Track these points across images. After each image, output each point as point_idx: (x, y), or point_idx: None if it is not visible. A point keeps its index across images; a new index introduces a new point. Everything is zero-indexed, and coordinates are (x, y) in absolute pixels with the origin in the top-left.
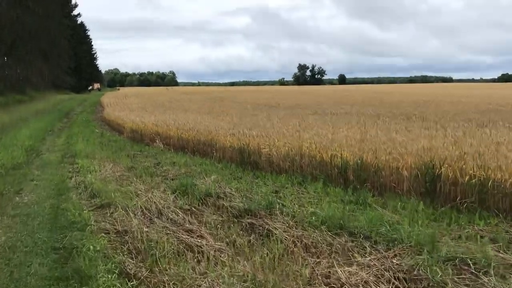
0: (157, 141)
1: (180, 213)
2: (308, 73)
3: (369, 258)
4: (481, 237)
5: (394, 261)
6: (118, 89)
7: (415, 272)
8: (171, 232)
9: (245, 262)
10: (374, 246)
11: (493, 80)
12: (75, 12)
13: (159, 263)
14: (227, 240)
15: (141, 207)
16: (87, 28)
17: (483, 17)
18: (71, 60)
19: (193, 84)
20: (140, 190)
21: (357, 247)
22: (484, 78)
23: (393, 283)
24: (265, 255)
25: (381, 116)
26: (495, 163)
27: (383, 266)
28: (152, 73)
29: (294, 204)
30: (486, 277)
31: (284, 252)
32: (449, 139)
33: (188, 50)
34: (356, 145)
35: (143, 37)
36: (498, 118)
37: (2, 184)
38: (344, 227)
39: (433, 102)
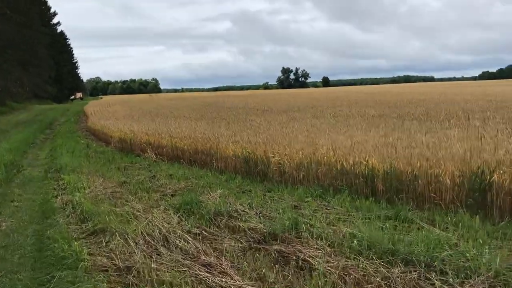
0: (148, 151)
1: (190, 239)
2: (292, 76)
3: None
4: None
5: None
6: (101, 98)
7: None
8: (185, 268)
9: None
10: (442, 277)
11: (474, 78)
12: (54, 21)
13: None
14: (255, 275)
15: (142, 233)
16: (67, 37)
17: (461, 17)
18: (51, 69)
19: (176, 91)
20: (138, 211)
21: (421, 279)
22: (465, 76)
23: None
24: None
25: (386, 117)
26: None
27: None
28: (134, 80)
29: (322, 222)
30: None
31: None
32: (487, 140)
33: (170, 57)
34: (382, 149)
35: (124, 45)
36: None
37: None
38: (395, 253)
39: (431, 101)
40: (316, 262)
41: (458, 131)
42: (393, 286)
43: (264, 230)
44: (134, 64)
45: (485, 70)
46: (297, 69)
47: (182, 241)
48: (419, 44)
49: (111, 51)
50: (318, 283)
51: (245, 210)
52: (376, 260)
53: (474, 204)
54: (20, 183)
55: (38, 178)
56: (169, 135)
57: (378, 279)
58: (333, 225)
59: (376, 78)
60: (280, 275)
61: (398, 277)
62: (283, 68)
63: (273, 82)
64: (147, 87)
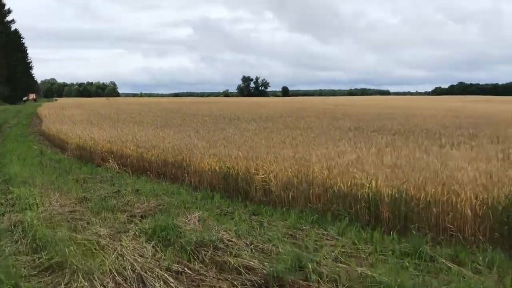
0: (110, 161)
1: (171, 280)
2: (252, 85)
3: None
4: None
5: None
6: (56, 100)
7: None
8: None
9: None
10: None
11: (427, 94)
12: (8, 18)
13: None
14: None
15: (111, 271)
16: (21, 35)
17: (416, 34)
18: (4, 68)
19: (135, 95)
20: (104, 238)
21: None
22: (419, 91)
23: None
24: None
25: (364, 131)
26: None
27: None
28: (91, 83)
29: (327, 258)
30: None
31: None
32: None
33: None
34: (384, 170)
35: (81, 47)
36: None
37: None
38: None
39: (402, 115)
40: None
41: (461, 150)
42: None
43: (264, 271)
44: (92, 66)
45: (437, 86)
46: (257, 78)
47: (161, 282)
48: (375, 58)
49: (68, 52)
50: None
51: (232, 240)
52: None
53: (499, 238)
54: None
55: None
56: (135, 144)
57: None
58: (341, 262)
59: (334, 90)
60: None
61: None
62: (244, 76)
63: (233, 90)
64: (105, 90)
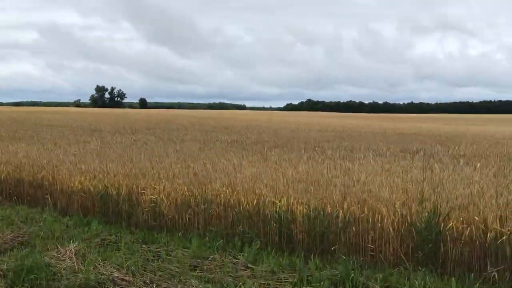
0: None
1: None
2: (107, 95)
3: None
4: None
5: None
6: None
7: None
8: None
9: None
10: None
11: (280, 109)
12: None
13: None
14: None
15: None
16: None
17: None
18: None
19: None
20: None
21: None
22: (273, 106)
23: None
24: None
25: (243, 144)
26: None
27: None
28: None
29: None
30: None
31: None
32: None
33: None
34: (293, 185)
35: None
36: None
37: None
38: None
39: (270, 128)
40: None
41: (360, 165)
42: None
43: None
44: None
45: (289, 102)
46: (112, 88)
47: None
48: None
49: None
50: None
51: (126, 279)
52: None
53: (422, 257)
54: None
55: None
56: None
57: None
58: None
59: (193, 103)
60: None
61: None
62: (98, 86)
63: (85, 100)
64: None
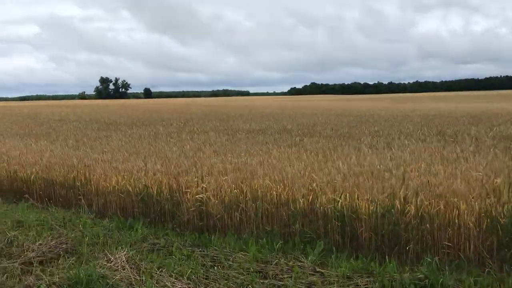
0: None
1: None
2: (111, 86)
3: None
4: None
5: None
6: None
7: None
8: None
9: None
10: None
11: (284, 94)
12: None
13: None
14: None
15: None
16: None
17: (271, 37)
18: None
19: None
20: None
21: None
22: (276, 91)
23: None
24: None
25: (269, 132)
26: None
27: None
28: None
29: None
30: None
31: None
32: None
33: None
34: (351, 179)
35: None
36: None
37: None
38: None
39: (288, 115)
40: None
41: (411, 153)
42: None
43: None
44: None
45: (293, 86)
46: (117, 79)
47: None
48: (234, 60)
49: None
50: None
51: None
52: None
53: (509, 255)
54: None
55: None
56: (4, 161)
57: None
58: None
59: (197, 91)
60: None
61: None
62: (102, 77)
63: (90, 92)
64: None
